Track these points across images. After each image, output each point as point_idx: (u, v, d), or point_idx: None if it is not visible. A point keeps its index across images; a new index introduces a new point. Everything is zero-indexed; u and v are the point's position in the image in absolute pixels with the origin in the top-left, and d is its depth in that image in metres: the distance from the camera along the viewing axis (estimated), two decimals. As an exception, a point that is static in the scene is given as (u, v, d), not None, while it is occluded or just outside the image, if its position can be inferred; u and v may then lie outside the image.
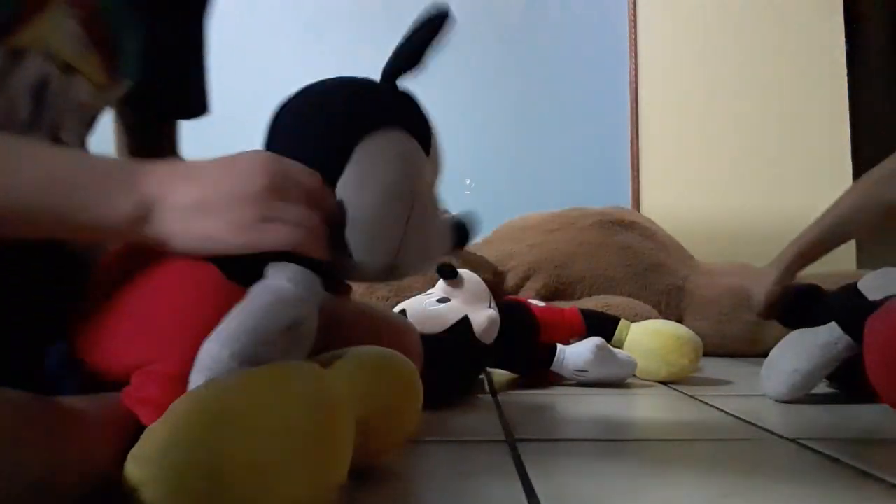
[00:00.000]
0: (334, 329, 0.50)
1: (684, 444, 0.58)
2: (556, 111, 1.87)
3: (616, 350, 0.94)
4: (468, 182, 1.84)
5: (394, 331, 0.66)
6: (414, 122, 0.47)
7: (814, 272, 1.88)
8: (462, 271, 0.91)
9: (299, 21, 1.85)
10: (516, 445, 0.57)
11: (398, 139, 0.45)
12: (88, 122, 0.58)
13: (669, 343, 0.95)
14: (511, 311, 0.95)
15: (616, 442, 0.59)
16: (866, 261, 1.85)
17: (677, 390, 0.88)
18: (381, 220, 0.43)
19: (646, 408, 0.76)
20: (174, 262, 0.42)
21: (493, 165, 1.84)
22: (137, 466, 0.33)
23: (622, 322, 1.05)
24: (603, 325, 1.04)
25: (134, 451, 0.34)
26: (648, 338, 0.98)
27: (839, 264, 1.80)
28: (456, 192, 1.83)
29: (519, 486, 0.45)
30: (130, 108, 0.67)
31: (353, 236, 0.43)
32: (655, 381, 0.96)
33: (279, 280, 0.40)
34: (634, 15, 1.88)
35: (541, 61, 1.88)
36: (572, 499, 0.43)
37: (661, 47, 1.89)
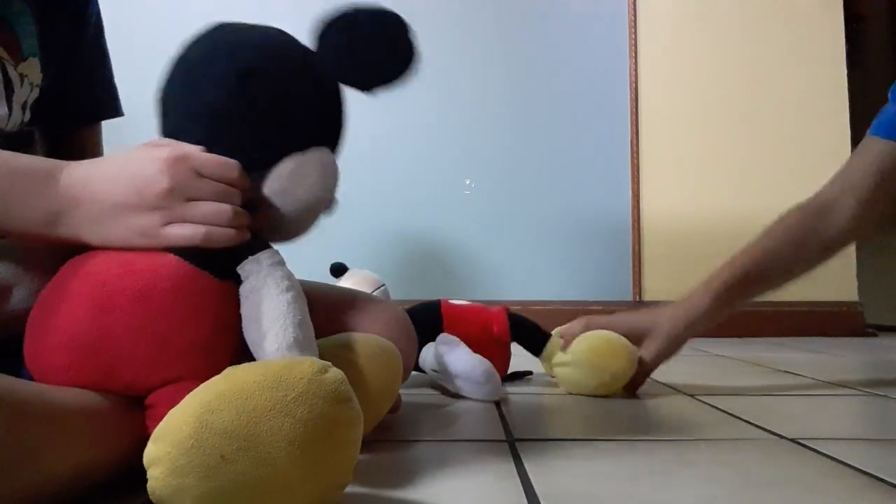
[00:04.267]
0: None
1: (684, 444, 0.58)
2: (556, 111, 1.87)
3: (469, 353, 0.82)
4: (468, 182, 1.84)
5: (384, 319, 0.67)
6: (340, 139, 0.53)
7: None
8: (354, 271, 0.89)
9: (298, 21, 1.85)
10: (516, 445, 0.57)
11: (327, 158, 0.50)
12: (21, 109, 0.60)
13: (598, 345, 0.82)
14: (418, 313, 0.91)
15: (616, 442, 0.59)
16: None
17: (677, 390, 0.88)
18: (301, 220, 0.49)
19: (646, 408, 0.76)
20: (155, 270, 0.42)
21: (493, 165, 1.84)
22: (154, 444, 0.34)
23: (556, 334, 0.93)
24: (532, 335, 0.94)
25: (155, 432, 0.35)
26: (576, 344, 0.84)
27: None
28: (456, 191, 1.83)
29: (519, 485, 0.45)
30: (38, 118, 0.68)
31: (273, 222, 0.48)
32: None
33: (271, 271, 0.43)
34: (634, 15, 1.88)
35: (540, 61, 1.88)
36: (572, 499, 0.43)
37: (661, 47, 1.89)
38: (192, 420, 0.33)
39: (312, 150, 0.48)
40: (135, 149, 0.44)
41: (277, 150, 0.47)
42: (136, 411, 0.41)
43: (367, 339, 0.53)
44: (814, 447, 0.56)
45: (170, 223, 0.42)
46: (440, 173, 1.83)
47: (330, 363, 0.37)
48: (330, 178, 0.49)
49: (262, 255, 0.44)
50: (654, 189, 1.85)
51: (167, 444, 0.33)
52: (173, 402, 0.38)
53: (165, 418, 0.34)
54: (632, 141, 1.85)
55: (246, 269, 0.43)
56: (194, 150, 0.44)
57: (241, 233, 0.45)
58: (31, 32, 0.60)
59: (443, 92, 1.84)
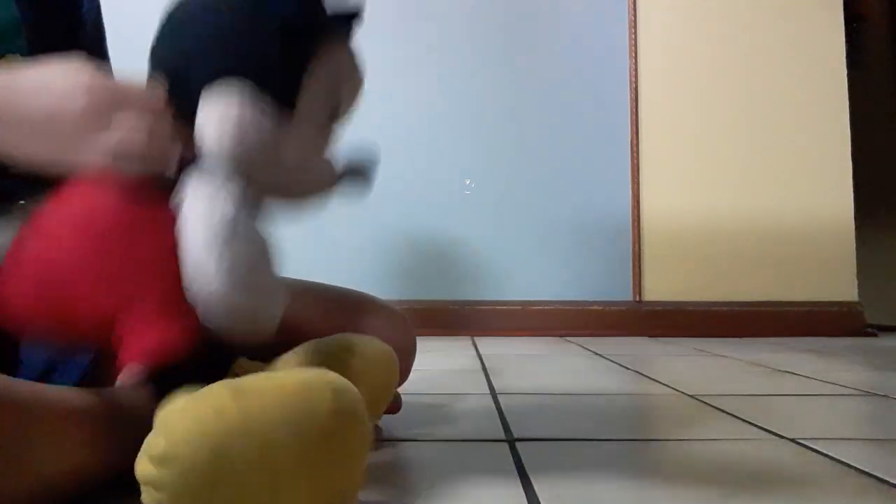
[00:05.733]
0: (307, 323, 0.50)
1: (684, 444, 0.58)
2: (556, 111, 1.87)
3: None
4: (468, 182, 1.84)
5: (384, 319, 0.67)
6: (267, 73, 0.44)
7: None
8: None
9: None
10: (516, 445, 0.57)
11: (233, 94, 0.42)
12: None
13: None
14: None
15: (616, 442, 0.59)
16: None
17: (677, 391, 0.88)
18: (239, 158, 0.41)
19: (646, 408, 0.76)
20: (86, 198, 0.41)
21: (493, 165, 1.84)
22: (149, 463, 0.32)
23: None
24: None
25: (144, 446, 0.33)
26: None
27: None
28: (456, 191, 1.83)
29: (519, 486, 0.45)
30: None
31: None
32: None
33: (193, 181, 0.40)
34: (634, 15, 1.88)
35: (540, 61, 1.88)
36: (572, 499, 0.43)
37: (661, 47, 1.89)
38: (202, 450, 0.32)
39: (218, 84, 0.41)
40: (56, 66, 0.42)
41: (195, 84, 0.42)
42: (134, 410, 0.41)
43: (366, 340, 0.53)
44: (814, 447, 0.56)
45: (85, 148, 0.40)
46: (440, 173, 1.83)
47: (348, 382, 0.37)
48: (229, 120, 0.41)
49: (191, 173, 0.41)
50: (654, 189, 1.85)
51: (170, 470, 0.32)
52: (136, 328, 0.38)
53: (168, 439, 0.32)
54: (632, 141, 1.85)
55: (179, 195, 0.41)
56: (116, 79, 0.43)
57: (161, 161, 0.42)
58: (17, 29, 0.59)
59: (443, 92, 1.84)
